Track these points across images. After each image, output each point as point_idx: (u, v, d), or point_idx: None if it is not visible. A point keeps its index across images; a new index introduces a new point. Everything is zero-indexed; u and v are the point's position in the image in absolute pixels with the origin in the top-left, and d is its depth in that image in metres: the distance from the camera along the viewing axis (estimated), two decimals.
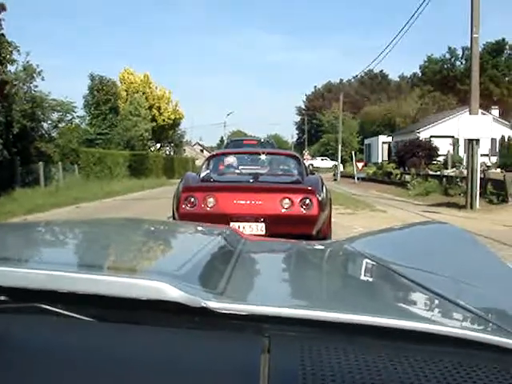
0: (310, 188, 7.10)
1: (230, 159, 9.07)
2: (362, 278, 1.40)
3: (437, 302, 1.04)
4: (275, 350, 0.73)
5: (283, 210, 6.88)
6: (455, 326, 0.83)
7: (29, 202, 15.97)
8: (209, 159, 8.85)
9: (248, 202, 6.94)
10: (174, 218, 7.33)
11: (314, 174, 9.07)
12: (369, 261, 1.43)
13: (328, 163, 60.59)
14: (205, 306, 0.78)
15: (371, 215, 14.36)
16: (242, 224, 6.81)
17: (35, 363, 0.70)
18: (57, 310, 0.80)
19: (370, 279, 1.38)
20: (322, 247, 1.82)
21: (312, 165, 58.15)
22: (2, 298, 0.82)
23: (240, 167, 8.81)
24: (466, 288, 1.21)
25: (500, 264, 1.40)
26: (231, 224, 6.54)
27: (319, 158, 64.84)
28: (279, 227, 6.69)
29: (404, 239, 1.79)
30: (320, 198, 7.02)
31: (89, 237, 1.72)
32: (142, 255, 1.40)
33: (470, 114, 16.37)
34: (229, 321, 0.79)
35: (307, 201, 6.89)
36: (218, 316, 0.78)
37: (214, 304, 0.78)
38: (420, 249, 1.60)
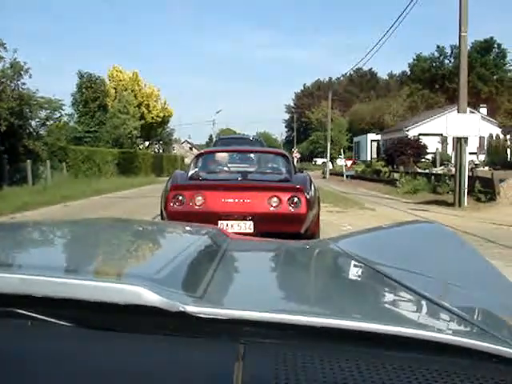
0: (298, 186, 7.08)
1: (219, 157, 9.06)
2: (347, 279, 1.38)
3: (421, 304, 1.02)
4: (250, 357, 0.72)
5: (271, 209, 6.89)
6: (441, 331, 0.81)
7: (16, 200, 15.83)
8: (197, 157, 8.79)
9: (236, 200, 6.92)
10: (161, 217, 7.31)
11: (302, 172, 9.09)
12: (354, 261, 1.40)
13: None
14: (183, 310, 0.76)
15: (360, 213, 14.37)
16: (230, 222, 6.83)
17: (9, 368, 0.69)
18: (31, 314, 0.78)
19: (355, 281, 1.36)
20: (308, 247, 1.80)
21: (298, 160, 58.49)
22: None
23: (228, 165, 8.82)
24: (451, 289, 1.19)
25: (486, 265, 1.38)
26: (219, 222, 6.63)
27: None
28: (268, 225, 6.72)
29: (391, 239, 1.77)
30: (308, 197, 7.02)
31: (69, 239, 1.69)
32: (122, 258, 1.37)
33: (459, 112, 16.43)
34: (207, 325, 0.77)
35: (295, 199, 6.89)
36: (196, 320, 0.77)
37: (192, 308, 0.77)
38: (407, 249, 1.58)
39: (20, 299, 0.78)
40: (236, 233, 5.69)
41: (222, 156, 9.15)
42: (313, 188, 7.52)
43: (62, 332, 0.78)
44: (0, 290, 0.79)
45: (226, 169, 8.67)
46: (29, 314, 0.78)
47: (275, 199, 6.90)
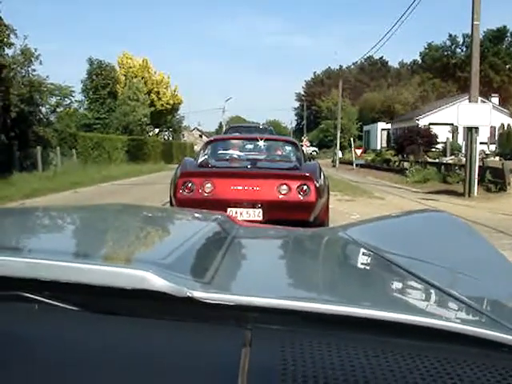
0: (307, 174, 7.06)
1: (228, 145, 9.05)
2: (355, 267, 1.37)
3: (430, 293, 1.02)
4: (257, 343, 0.72)
5: (280, 196, 6.86)
6: (449, 319, 0.81)
7: (26, 186, 15.92)
8: (206, 144, 8.81)
9: (245, 187, 6.91)
10: (171, 204, 7.29)
11: (312, 160, 9.07)
12: (363, 249, 1.40)
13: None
14: (190, 295, 0.76)
15: (369, 202, 14.34)
16: (239, 210, 6.84)
17: (16, 351, 0.69)
18: (38, 298, 0.78)
19: (363, 269, 1.35)
20: (317, 234, 1.79)
21: (316, 151, 58.31)
22: None
23: (238, 153, 8.76)
24: (460, 278, 1.19)
25: (496, 254, 1.37)
26: (228, 210, 6.61)
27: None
28: (276, 213, 6.70)
29: (400, 227, 1.77)
30: (317, 185, 6.98)
31: (77, 224, 1.69)
32: (130, 243, 1.36)
33: (470, 101, 16.34)
34: (214, 311, 0.77)
35: (305, 187, 6.87)
36: (203, 306, 0.76)
37: (199, 294, 0.76)
38: (416, 238, 1.58)
39: (27, 283, 0.78)
40: (245, 220, 5.71)
41: (231, 143, 9.13)
42: (322, 176, 7.46)
43: (68, 316, 0.78)
44: (7, 274, 0.79)
45: (235, 156, 8.59)
46: (36, 297, 0.78)
47: (284, 187, 6.87)
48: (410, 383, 0.63)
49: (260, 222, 6.65)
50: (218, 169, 7.57)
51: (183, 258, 0.99)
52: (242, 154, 8.73)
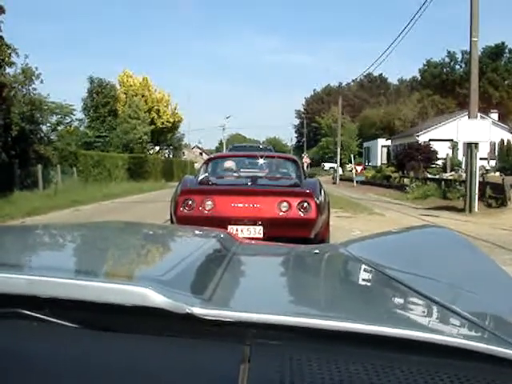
0: (308, 191, 7.07)
1: (229, 162, 9.02)
2: (356, 283, 1.37)
3: (431, 308, 1.01)
4: (255, 359, 0.72)
5: (281, 214, 6.83)
6: (451, 335, 0.80)
7: (27, 204, 15.90)
8: (207, 162, 8.87)
9: (246, 205, 6.88)
10: (171, 221, 7.27)
11: (312, 177, 9.11)
12: (363, 265, 1.40)
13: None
14: (189, 312, 0.76)
15: (370, 218, 14.33)
16: (239, 227, 6.80)
17: (15, 368, 0.69)
18: (37, 315, 0.78)
19: (364, 285, 1.35)
20: (317, 251, 1.77)
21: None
22: None
23: (238, 170, 8.78)
24: (462, 294, 1.18)
25: (497, 269, 1.37)
26: (229, 227, 6.58)
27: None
28: (277, 230, 6.64)
29: (400, 243, 1.77)
30: (318, 202, 6.98)
31: (77, 241, 1.69)
32: (129, 260, 1.37)
33: (469, 117, 16.36)
34: (213, 328, 0.77)
35: (305, 204, 6.85)
36: (202, 322, 0.77)
37: (198, 310, 0.77)
38: (416, 253, 1.57)
39: (27, 300, 0.78)
40: (245, 238, 5.54)
41: (231, 161, 9.09)
42: (322, 193, 7.45)
43: (68, 333, 0.78)
44: (7, 291, 0.79)
45: (235, 174, 8.60)
46: (35, 314, 0.78)
47: (285, 204, 6.85)
48: None
49: (260, 239, 6.58)
50: (219, 186, 7.59)
51: (183, 275, 0.99)
52: (242, 171, 8.75)
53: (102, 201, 20.28)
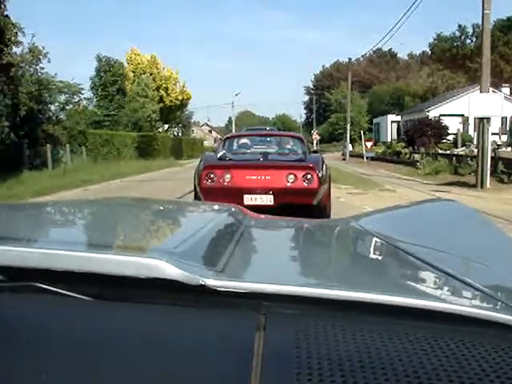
0: (311, 165, 8.21)
1: (243, 140, 10.41)
2: (366, 255, 1.38)
3: (442, 279, 1.01)
4: (271, 327, 0.71)
5: (288, 184, 7.98)
6: (460, 304, 0.80)
7: (36, 184, 15.94)
8: (224, 140, 10.25)
9: (259, 177, 8.07)
10: (195, 192, 8.52)
11: (316, 152, 10.16)
12: (373, 238, 1.41)
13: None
14: (203, 283, 0.76)
15: (381, 195, 14.23)
16: (253, 196, 8.00)
17: (30, 341, 0.68)
18: (52, 288, 0.78)
19: (374, 257, 1.36)
20: (328, 225, 1.80)
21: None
22: None
23: (251, 147, 10.10)
24: (472, 266, 1.20)
25: (509, 242, 1.37)
26: (245, 196, 7.89)
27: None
28: (285, 198, 7.80)
29: (411, 216, 1.79)
30: (320, 174, 8.11)
31: (90, 216, 1.72)
32: (141, 233, 1.38)
33: (481, 92, 16.12)
34: (226, 299, 0.77)
35: (309, 176, 8.00)
36: (216, 294, 0.77)
37: (212, 282, 0.77)
38: (427, 226, 1.58)
39: (42, 273, 0.79)
40: (257, 205, 7.36)
41: (245, 139, 10.47)
42: (324, 167, 8.60)
43: (82, 306, 0.78)
44: (22, 264, 0.79)
45: (249, 150, 9.90)
46: (50, 288, 0.79)
47: (291, 176, 7.99)
48: (424, 363, 0.63)
49: (271, 206, 7.82)
50: (235, 161, 8.76)
51: (195, 248, 1.00)
52: (255, 148, 10.07)
53: (111, 180, 20.26)
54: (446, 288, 1.00)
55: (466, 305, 0.82)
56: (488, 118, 16.02)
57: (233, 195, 7.28)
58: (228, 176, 8.05)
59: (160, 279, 0.76)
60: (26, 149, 20.85)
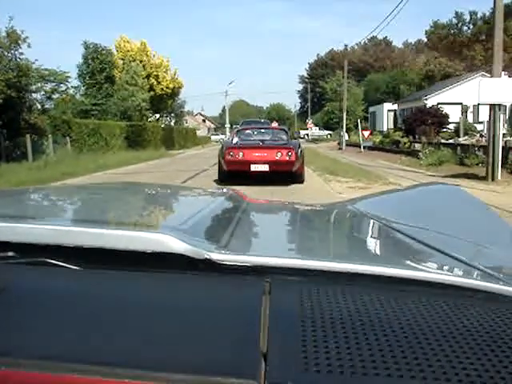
0: (291, 147, 13.90)
1: (248, 131, 16.20)
2: (362, 234, 1.46)
3: (434, 255, 1.08)
4: (276, 292, 0.76)
5: (277, 158, 13.46)
6: (450, 274, 0.87)
7: (12, 178, 14.74)
8: (236, 132, 15.98)
9: (259, 154, 13.54)
10: (219, 164, 14.10)
11: (296, 139, 17.88)
12: (369, 220, 1.50)
13: (322, 132, 69.31)
14: (208, 257, 0.80)
15: (386, 189, 13.06)
16: (256, 165, 13.35)
17: (41, 314, 0.69)
18: (62, 263, 0.83)
19: (369, 236, 1.42)
20: (324, 208, 1.86)
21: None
22: (11, 253, 0.84)
23: (253, 136, 15.70)
24: (462, 243, 1.24)
25: (505, 226, 1.43)
26: (251, 165, 13.31)
27: (315, 128, 70.03)
28: (275, 167, 13.37)
29: (407, 199, 1.87)
30: (297, 152, 13.68)
31: (96, 198, 1.72)
32: (149, 212, 1.46)
33: (493, 76, 14.87)
34: (231, 272, 0.81)
35: (290, 153, 13.50)
36: (221, 267, 0.81)
37: (217, 256, 0.81)
38: (424, 209, 1.66)
39: (52, 249, 0.82)
40: (259, 171, 13.34)
41: (250, 131, 16.31)
42: (300, 149, 14.23)
43: (92, 276, 0.81)
44: (34, 240, 0.83)
45: (252, 138, 15.41)
46: (60, 263, 0.83)
47: (279, 153, 13.51)
48: (420, 321, 0.68)
49: (267, 172, 13.32)
50: (245, 144, 14.26)
51: (200, 225, 1.06)
52: (255, 136, 15.66)
53: (95, 172, 18.94)
54: (436, 262, 1.03)
55: (454, 275, 0.87)
56: (500, 105, 14.80)
57: (244, 164, 13.28)
58: (241, 153, 13.52)
59: (167, 253, 0.80)
60: (5, 139, 19.51)
